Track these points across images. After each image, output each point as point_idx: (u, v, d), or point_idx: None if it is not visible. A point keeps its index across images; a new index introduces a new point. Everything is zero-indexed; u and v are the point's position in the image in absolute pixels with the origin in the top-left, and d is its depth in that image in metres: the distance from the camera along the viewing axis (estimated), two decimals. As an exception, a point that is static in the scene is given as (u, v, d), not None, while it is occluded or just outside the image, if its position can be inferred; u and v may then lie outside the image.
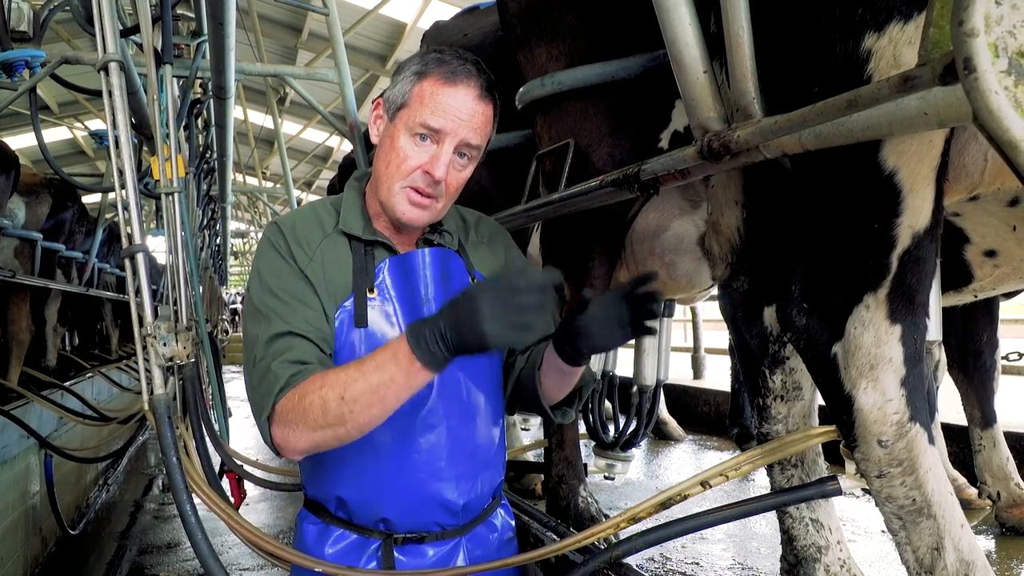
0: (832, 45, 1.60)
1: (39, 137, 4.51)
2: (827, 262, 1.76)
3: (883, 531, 2.99)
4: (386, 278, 1.56)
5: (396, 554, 1.58)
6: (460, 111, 1.48)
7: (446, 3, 11.15)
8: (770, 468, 2.17)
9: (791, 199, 1.91)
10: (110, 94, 2.59)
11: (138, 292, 2.40)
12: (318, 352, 1.46)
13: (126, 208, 2.47)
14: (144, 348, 2.40)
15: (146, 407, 2.17)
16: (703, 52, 1.72)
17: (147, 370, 2.42)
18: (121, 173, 2.55)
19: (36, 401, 6.25)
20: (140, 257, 2.42)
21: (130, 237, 2.44)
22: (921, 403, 1.72)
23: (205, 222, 9.92)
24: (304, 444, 1.37)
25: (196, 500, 1.96)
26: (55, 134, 16.18)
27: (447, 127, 1.48)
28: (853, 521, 3.12)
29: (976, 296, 2.54)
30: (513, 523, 1.79)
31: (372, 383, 1.30)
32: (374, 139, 1.59)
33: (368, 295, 1.54)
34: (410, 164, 1.50)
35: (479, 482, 1.64)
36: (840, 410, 1.70)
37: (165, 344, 2.45)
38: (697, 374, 6.51)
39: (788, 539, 2.14)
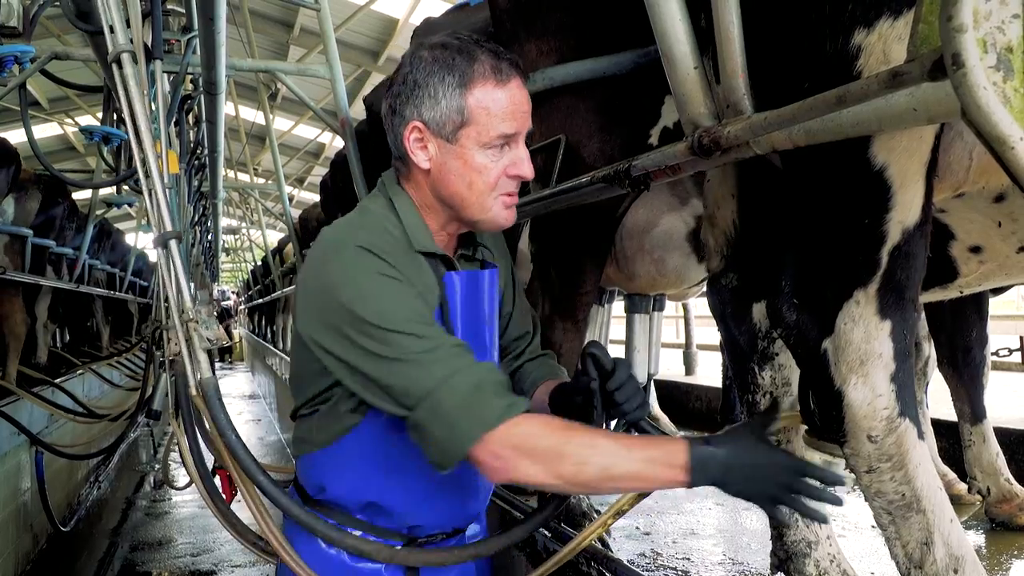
0: (822, 41, 1.60)
1: (29, 133, 4.49)
2: (817, 258, 1.76)
3: (874, 526, 2.98)
4: (456, 293, 1.55)
5: None
6: (521, 107, 1.47)
7: (438, -1, 11.15)
8: None
9: (781, 195, 1.91)
10: (125, 87, 2.54)
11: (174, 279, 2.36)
12: (493, 366, 1.47)
13: (153, 197, 2.43)
14: (188, 334, 2.36)
15: (194, 392, 2.14)
16: (693, 47, 1.71)
17: (190, 354, 2.38)
18: (144, 163, 2.50)
19: (27, 398, 6.23)
20: (173, 244, 2.36)
21: (161, 223, 2.38)
22: (911, 398, 1.72)
23: (196, 218, 9.90)
24: (529, 478, 1.34)
25: (189, 495, 1.94)
26: (45, 130, 16.12)
27: (520, 128, 1.47)
28: (843, 516, 3.13)
29: (962, 292, 2.55)
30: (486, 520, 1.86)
31: (634, 472, 1.31)
32: (423, 164, 1.49)
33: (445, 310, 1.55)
34: (495, 173, 1.46)
35: (489, 488, 1.74)
36: (829, 406, 1.71)
37: (207, 328, 2.43)
38: (689, 370, 6.52)
39: (778, 534, 2.15)
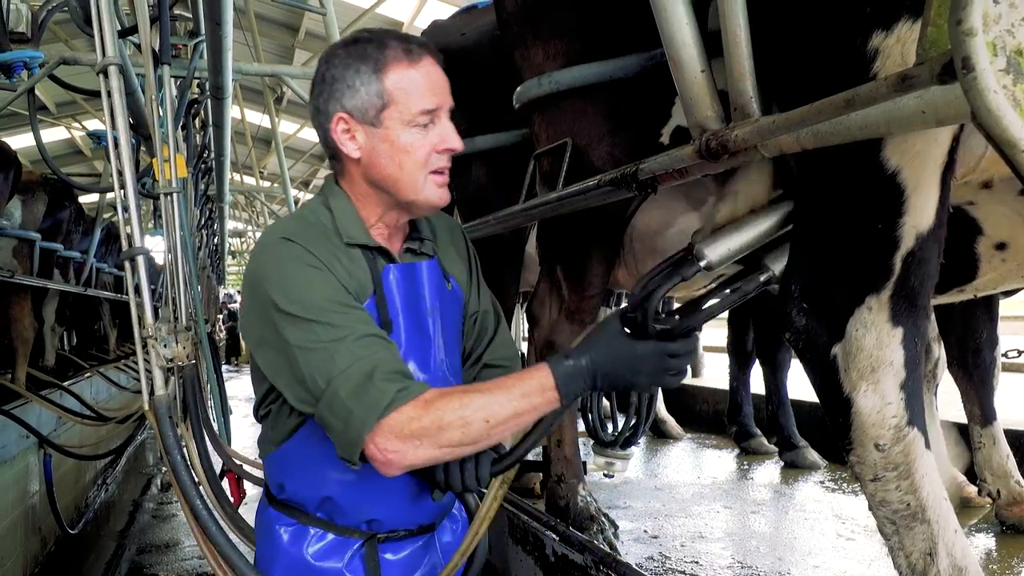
0: (838, 44, 1.60)
1: (37, 137, 4.51)
2: (828, 262, 1.75)
3: (883, 529, 2.99)
4: (393, 285, 1.56)
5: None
6: (439, 82, 1.50)
7: (443, 2, 11.15)
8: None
9: (792, 198, 1.90)
10: (109, 96, 2.59)
11: (138, 294, 2.40)
12: (395, 352, 1.46)
13: (126, 210, 2.47)
14: (145, 349, 2.40)
15: (146, 408, 2.17)
16: (700, 51, 1.71)
17: (148, 371, 2.42)
18: (121, 175, 2.55)
19: (35, 401, 6.25)
20: (140, 259, 2.42)
21: (130, 239, 2.43)
22: (919, 407, 1.71)
23: (203, 222, 9.92)
24: (422, 459, 1.37)
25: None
26: (53, 134, 16.16)
27: (440, 102, 1.49)
28: (852, 519, 3.12)
29: (976, 295, 2.54)
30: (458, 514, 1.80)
31: (513, 411, 1.35)
32: (353, 153, 1.51)
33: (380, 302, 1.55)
34: (423, 151, 1.48)
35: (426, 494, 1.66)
36: (837, 412, 1.70)
37: (166, 345, 2.45)
38: (695, 372, 6.50)
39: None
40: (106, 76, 2.59)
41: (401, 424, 1.33)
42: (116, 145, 2.51)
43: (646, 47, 2.44)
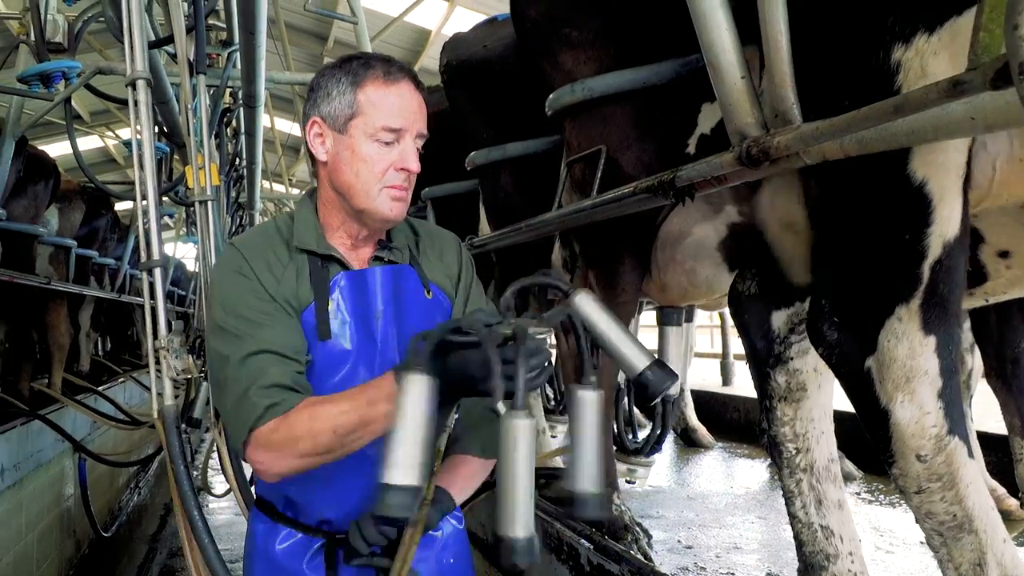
0: (863, 57, 1.60)
1: (74, 146, 4.58)
2: (856, 275, 1.73)
3: (923, 542, 2.92)
4: (339, 293, 1.60)
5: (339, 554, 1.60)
6: (410, 107, 1.55)
7: (471, 10, 11.18)
8: (780, 472, 2.16)
9: (816, 212, 1.89)
10: (136, 105, 2.61)
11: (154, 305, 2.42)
12: (292, 369, 1.50)
13: (147, 221, 2.49)
14: (156, 360, 2.42)
15: (155, 416, 2.21)
16: (740, 57, 1.70)
17: (158, 380, 2.43)
18: (143, 185, 2.57)
19: (71, 406, 6.34)
20: (158, 272, 2.43)
21: (149, 250, 2.46)
22: (959, 415, 1.69)
23: (234, 229, 10.03)
24: (288, 468, 1.44)
25: (225, 502, 2.02)
26: (87, 143, 16.39)
27: (406, 125, 1.53)
28: (891, 532, 3.07)
29: (987, 300, 2.50)
30: (462, 527, 1.78)
31: (359, 419, 1.37)
32: (321, 156, 1.59)
33: (327, 307, 1.59)
34: (382, 166, 1.54)
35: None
36: (875, 425, 1.67)
37: (177, 357, 2.46)
38: (726, 381, 6.45)
39: (798, 544, 2.13)
40: (134, 88, 2.61)
41: (264, 436, 1.42)
42: (140, 158, 2.52)
43: (676, 52, 2.43)
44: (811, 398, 2.05)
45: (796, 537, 2.15)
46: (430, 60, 12.55)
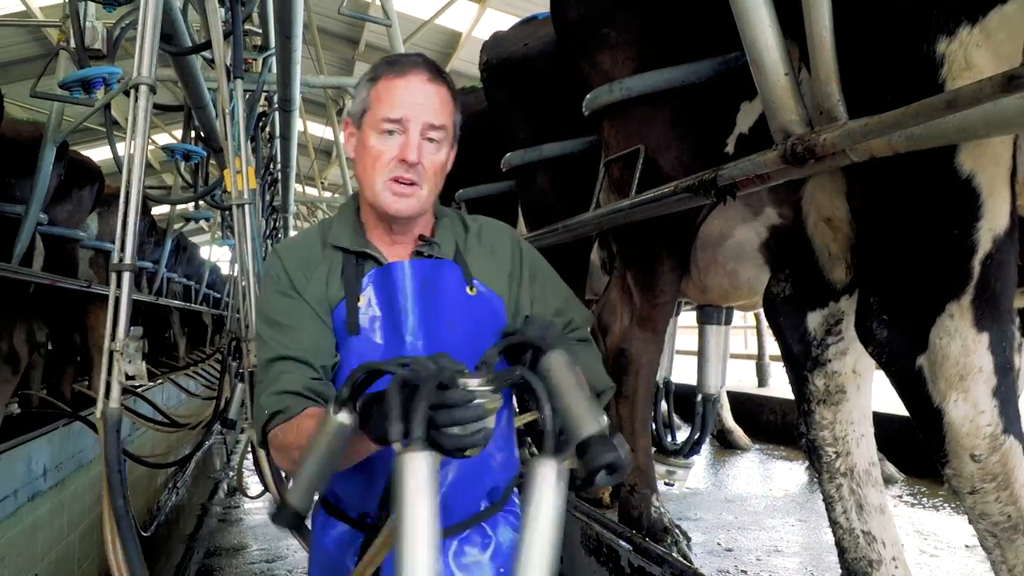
0: (905, 51, 1.57)
1: (114, 151, 4.65)
2: (905, 272, 1.70)
3: (967, 546, 2.88)
4: (371, 288, 1.61)
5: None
6: (415, 97, 1.53)
7: (501, 12, 11.20)
8: (819, 477, 2.13)
9: (862, 209, 1.86)
10: (135, 112, 2.56)
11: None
12: (307, 374, 1.53)
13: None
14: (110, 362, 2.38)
15: (98, 416, 2.19)
16: (784, 54, 1.68)
17: (107, 383, 2.40)
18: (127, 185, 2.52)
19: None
20: (127, 277, 2.39)
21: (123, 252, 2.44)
22: (1015, 413, 1.65)
23: (267, 231, 10.13)
24: (287, 471, 1.58)
25: (260, 503, 2.00)
26: (122, 149, 16.69)
27: (407, 114, 1.52)
28: (935, 535, 3.01)
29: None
30: (516, 535, 1.68)
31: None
32: (350, 154, 1.63)
33: (357, 304, 1.60)
34: (385, 158, 1.54)
35: (468, 483, 1.59)
36: (928, 425, 1.64)
37: (130, 362, 2.45)
38: (762, 382, 6.38)
39: (840, 550, 2.09)
40: (136, 95, 2.57)
41: (272, 439, 1.50)
42: (129, 162, 2.49)
43: (714, 51, 2.41)
44: (850, 400, 2.02)
45: (838, 544, 2.11)
46: (461, 62, 12.60)
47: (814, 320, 2.03)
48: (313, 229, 1.72)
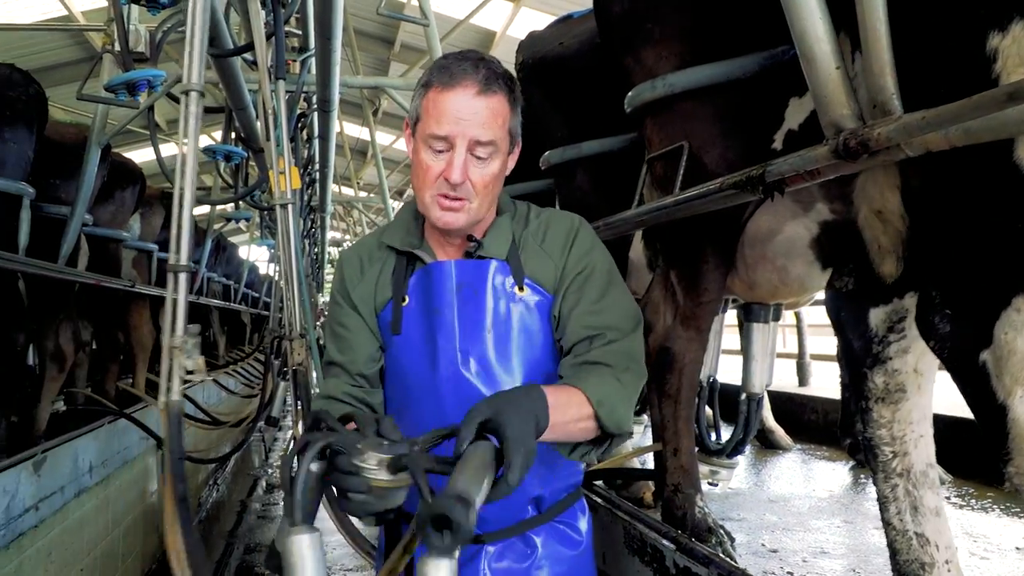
0: (957, 46, 1.55)
1: (157, 153, 4.73)
2: (969, 266, 1.66)
3: (1018, 548, 2.82)
4: (415, 288, 1.64)
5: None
6: (461, 113, 1.49)
7: (536, 11, 11.19)
8: (874, 476, 2.09)
9: (923, 201, 1.82)
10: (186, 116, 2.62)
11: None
12: (346, 381, 1.65)
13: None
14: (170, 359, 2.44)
15: (160, 408, 2.31)
16: (835, 47, 1.65)
17: (169, 376, 2.49)
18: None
19: (154, 405, 6.54)
20: (183, 276, 2.45)
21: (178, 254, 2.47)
22: (1082, 412, 1.61)
23: (305, 231, 10.24)
24: None
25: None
26: (162, 150, 16.97)
27: (453, 132, 1.49)
28: (985, 537, 2.95)
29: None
30: (564, 551, 1.66)
31: None
32: (410, 154, 1.63)
33: (402, 303, 1.63)
34: (432, 174, 1.53)
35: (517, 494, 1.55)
36: (991, 422, 1.60)
37: (188, 357, 2.55)
38: (802, 381, 6.29)
39: (892, 552, 2.05)
40: (186, 99, 2.61)
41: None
42: (182, 162, 2.53)
43: (761, 45, 2.38)
44: (910, 400, 1.98)
45: (890, 545, 2.08)
46: (495, 62, 12.62)
47: (876, 316, 1.99)
48: (377, 230, 1.78)
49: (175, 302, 2.25)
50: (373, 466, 1.16)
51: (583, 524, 1.73)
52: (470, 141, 1.50)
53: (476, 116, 1.50)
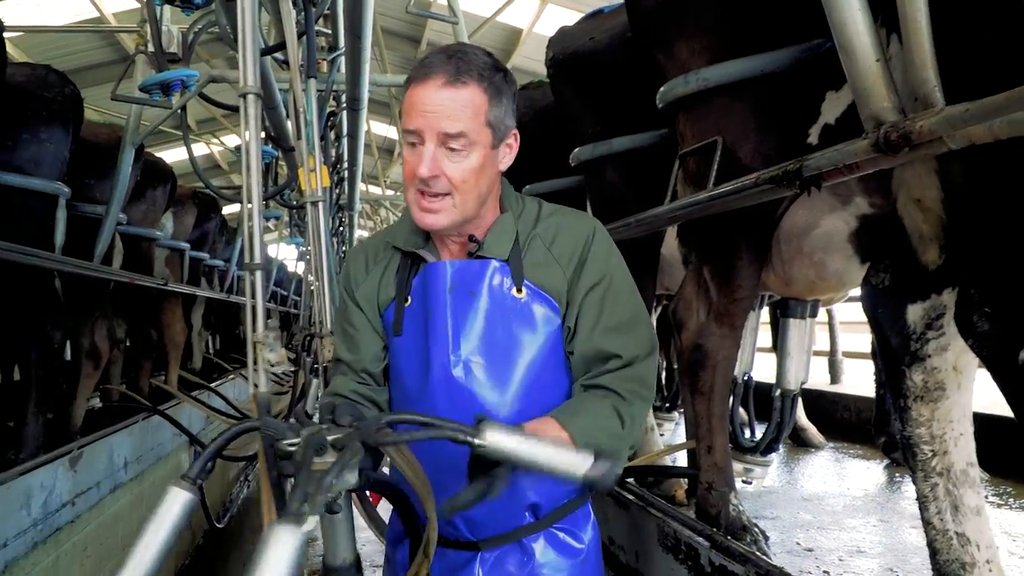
0: (998, 38, 1.52)
1: (190, 152, 4.77)
2: (1010, 264, 1.64)
3: (1060, 549, 2.77)
4: (417, 288, 1.63)
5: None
6: (427, 105, 1.45)
7: (562, 7, 11.16)
8: (913, 476, 2.06)
9: (961, 200, 1.79)
10: (246, 117, 2.70)
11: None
12: (351, 379, 1.66)
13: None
14: (255, 354, 2.50)
15: (251, 401, 2.39)
16: (875, 39, 1.63)
17: (255, 370, 2.54)
18: (248, 192, 2.66)
19: (187, 401, 6.63)
20: (259, 275, 2.52)
21: (252, 253, 2.54)
22: (1123, 412, 1.57)
23: (334, 230, 10.30)
24: None
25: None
26: (193, 150, 17.17)
27: (420, 125, 1.46)
28: (1023, 537, 2.90)
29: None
30: (562, 560, 1.62)
31: None
32: None
33: (405, 304, 1.62)
34: (408, 172, 1.50)
35: (502, 497, 1.44)
36: (1034, 420, 1.58)
37: (271, 351, 2.61)
38: (835, 379, 6.22)
39: (932, 552, 2.02)
40: (245, 101, 2.68)
41: None
42: (247, 162, 2.61)
43: (795, 38, 2.35)
44: (950, 398, 1.95)
45: (930, 544, 2.05)
46: (522, 59, 12.59)
47: (914, 313, 1.96)
48: (385, 229, 1.77)
49: (254, 300, 2.35)
50: (299, 446, 1.12)
51: (587, 532, 1.67)
52: (439, 134, 1.45)
53: (442, 108, 1.45)
